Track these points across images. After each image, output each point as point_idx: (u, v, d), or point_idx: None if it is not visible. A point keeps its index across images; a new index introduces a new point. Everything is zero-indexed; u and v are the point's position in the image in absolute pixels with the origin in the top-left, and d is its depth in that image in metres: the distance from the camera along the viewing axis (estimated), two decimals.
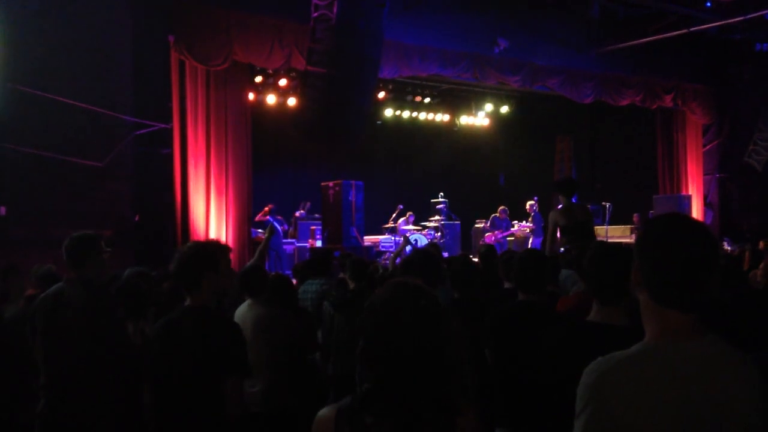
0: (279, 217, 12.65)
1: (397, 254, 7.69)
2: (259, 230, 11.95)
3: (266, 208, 12.51)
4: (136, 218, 9.28)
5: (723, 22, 12.02)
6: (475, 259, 8.24)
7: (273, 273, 4.75)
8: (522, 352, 3.03)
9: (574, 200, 7.03)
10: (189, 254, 2.83)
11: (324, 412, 1.64)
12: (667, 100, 14.60)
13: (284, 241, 12.84)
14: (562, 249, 6.49)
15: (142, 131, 9.54)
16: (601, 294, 2.44)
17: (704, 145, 15.71)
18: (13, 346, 3.65)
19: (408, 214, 13.79)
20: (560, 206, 6.81)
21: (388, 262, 9.10)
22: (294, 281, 5.47)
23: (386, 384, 1.54)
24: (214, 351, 2.68)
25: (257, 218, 11.98)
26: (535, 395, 2.90)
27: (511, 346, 3.13)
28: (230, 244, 10.20)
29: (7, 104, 7.76)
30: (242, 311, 3.92)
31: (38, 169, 8.14)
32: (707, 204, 15.68)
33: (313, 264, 5.31)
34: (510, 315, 3.26)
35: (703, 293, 1.55)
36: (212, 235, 10.10)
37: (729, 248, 13.47)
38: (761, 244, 7.00)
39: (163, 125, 9.73)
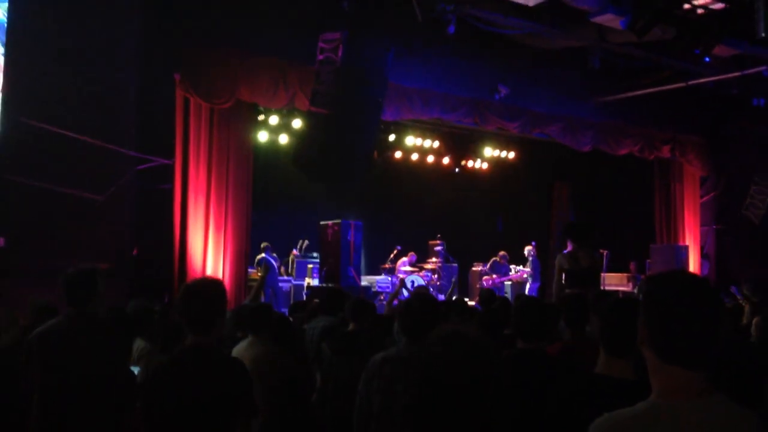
0: (274, 255, 12.65)
1: (394, 297, 7.67)
2: (251, 268, 11.94)
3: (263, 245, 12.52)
4: (135, 252, 9.26)
5: (720, 77, 12.22)
6: (472, 303, 8.22)
7: (274, 312, 4.72)
8: (521, 401, 3.00)
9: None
10: (204, 296, 2.77)
11: None
12: (665, 151, 14.75)
13: (281, 278, 12.82)
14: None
15: (144, 166, 9.59)
16: (610, 346, 2.44)
17: (701, 197, 15.82)
18: (6, 377, 3.61)
19: (410, 254, 13.79)
20: (567, 250, 6.82)
21: (384, 303, 9.07)
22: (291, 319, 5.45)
23: None
24: (224, 394, 2.63)
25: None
26: None
27: (515, 395, 3.10)
28: (227, 280, 10.18)
29: (10, 136, 7.82)
30: (241, 349, 3.89)
31: (38, 200, 8.16)
32: (704, 255, 15.72)
33: (325, 302, 5.27)
34: (509, 363, 3.24)
35: (709, 351, 1.56)
36: (209, 271, 10.08)
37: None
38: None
39: (165, 161, 9.79)
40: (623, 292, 13.29)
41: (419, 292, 4.66)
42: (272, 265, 11.97)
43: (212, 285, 2.84)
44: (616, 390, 2.29)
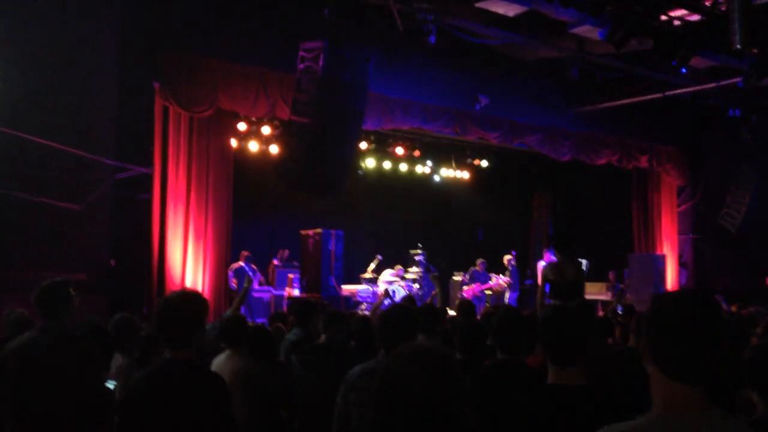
0: (252, 266, 12.56)
1: (377, 307, 7.64)
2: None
3: (242, 254, 12.43)
4: (112, 262, 9.16)
5: (697, 88, 12.40)
6: (452, 312, 8.23)
7: (252, 324, 4.68)
8: (501, 413, 3.01)
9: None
10: (182, 310, 2.75)
11: None
12: (643, 161, 14.92)
13: (260, 288, 12.74)
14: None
15: (123, 175, 9.50)
16: (555, 357, 2.50)
17: (679, 206, 16.01)
18: None
19: (397, 267, 13.78)
20: (552, 261, 6.86)
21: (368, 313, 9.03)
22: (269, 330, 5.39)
23: None
24: (202, 409, 2.60)
25: (233, 266, 11.89)
26: None
27: (491, 406, 3.10)
28: (207, 291, 10.10)
29: None
30: (221, 362, 3.85)
31: (14, 210, 8.05)
32: (682, 264, 15.90)
33: (296, 314, 5.22)
34: (490, 375, 3.25)
35: (712, 368, 1.59)
36: (188, 281, 9.99)
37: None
38: (733, 309, 7.07)
39: (143, 170, 9.71)
40: (601, 302, 13.38)
41: (397, 304, 4.62)
42: (251, 277, 11.85)
43: (189, 298, 2.82)
44: (565, 396, 2.36)
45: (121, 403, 2.83)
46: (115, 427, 2.81)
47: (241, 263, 12.22)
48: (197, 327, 2.78)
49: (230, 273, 11.52)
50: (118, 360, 4.11)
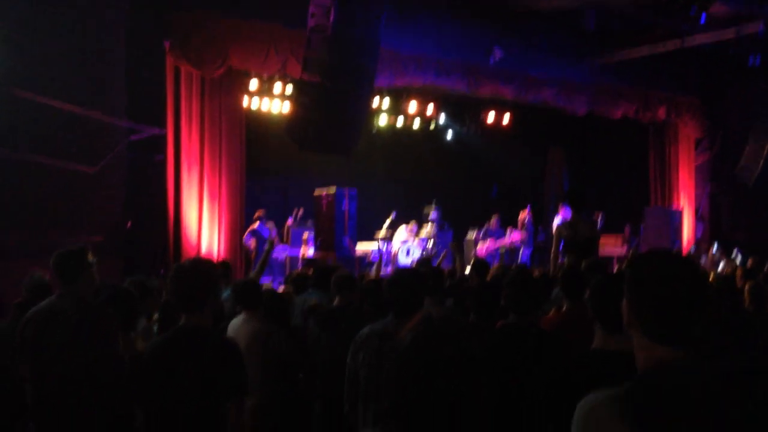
0: (268, 225, 12.58)
1: (378, 268, 7.63)
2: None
3: (258, 213, 12.42)
4: (128, 225, 9.24)
5: (716, 38, 12.10)
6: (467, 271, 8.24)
7: (268, 288, 4.72)
8: (516, 376, 3.03)
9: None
10: (194, 276, 2.78)
11: None
12: (661, 113, 14.69)
13: (276, 248, 12.79)
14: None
15: (136, 137, 9.51)
16: (605, 323, 2.46)
17: (696, 158, 15.80)
18: (4, 357, 3.61)
19: (412, 223, 13.77)
20: (568, 219, 6.82)
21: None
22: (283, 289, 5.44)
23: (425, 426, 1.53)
24: (216, 374, 2.65)
25: (251, 226, 11.94)
26: (532, 418, 2.91)
27: (504, 369, 3.12)
28: (222, 252, 10.19)
29: (0, 108, 7.72)
30: (236, 325, 3.90)
31: (30, 174, 8.11)
32: (698, 217, 15.77)
33: (314, 277, 5.27)
34: (503, 337, 3.26)
35: (696, 329, 1.58)
36: (204, 243, 10.07)
37: (715, 253, 13.56)
38: (750, 262, 7.04)
39: (157, 131, 9.71)
40: (617, 257, 13.35)
41: (406, 267, 4.64)
42: (264, 237, 11.89)
43: (202, 266, 2.86)
44: (615, 362, 2.31)
45: (136, 370, 2.89)
46: (131, 392, 2.87)
47: (256, 224, 12.24)
48: (210, 294, 2.82)
49: (248, 234, 11.57)
50: (142, 323, 4.20)
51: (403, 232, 13.53)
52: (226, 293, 4.73)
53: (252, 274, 6.33)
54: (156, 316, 4.41)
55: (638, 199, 15.48)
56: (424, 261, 6.65)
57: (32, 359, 3.20)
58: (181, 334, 2.77)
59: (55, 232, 7.97)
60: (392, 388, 1.63)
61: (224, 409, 2.66)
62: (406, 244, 13.08)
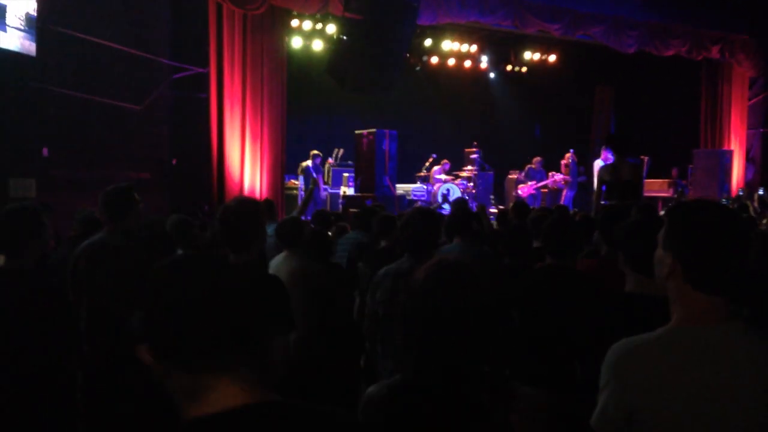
0: (318, 164, 12.59)
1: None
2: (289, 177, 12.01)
3: (311, 153, 12.44)
4: (174, 162, 9.43)
5: None
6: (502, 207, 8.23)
7: (308, 226, 4.80)
8: (553, 316, 3.07)
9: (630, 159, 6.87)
10: (241, 216, 2.85)
11: (373, 390, 1.69)
12: (714, 51, 14.13)
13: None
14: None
15: (180, 75, 9.61)
16: (639, 266, 2.45)
17: (750, 99, 15.25)
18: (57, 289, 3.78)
19: (443, 161, 13.72)
20: (610, 161, 6.73)
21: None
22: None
23: (430, 365, 1.57)
24: (262, 309, 2.74)
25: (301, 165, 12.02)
26: (566, 357, 2.96)
27: (541, 310, 3.16)
28: (264, 188, 10.34)
29: (48, 46, 7.85)
30: (277, 262, 4.00)
31: (78, 111, 8.29)
32: (749, 159, 15.33)
33: (359, 218, 5.33)
34: (540, 279, 3.29)
35: (735, 278, 1.59)
36: (246, 181, 10.23)
37: (762, 193, 13.18)
38: None
39: (200, 69, 9.78)
40: (662, 199, 13.13)
41: (420, 207, 4.65)
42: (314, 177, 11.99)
43: (247, 206, 2.93)
44: (648, 306, 2.31)
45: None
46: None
47: (308, 163, 12.27)
48: (256, 232, 2.91)
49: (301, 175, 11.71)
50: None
51: (439, 172, 13.48)
52: (270, 229, 4.85)
53: (295, 212, 6.45)
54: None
55: (688, 141, 15.07)
56: (458, 201, 6.65)
57: (86, 290, 3.36)
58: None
59: (103, 168, 8.19)
60: (403, 327, 1.66)
61: (270, 343, 2.77)
62: (445, 185, 13.06)
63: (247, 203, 3.00)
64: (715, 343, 1.56)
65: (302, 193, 11.98)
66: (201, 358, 1.14)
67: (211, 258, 1.22)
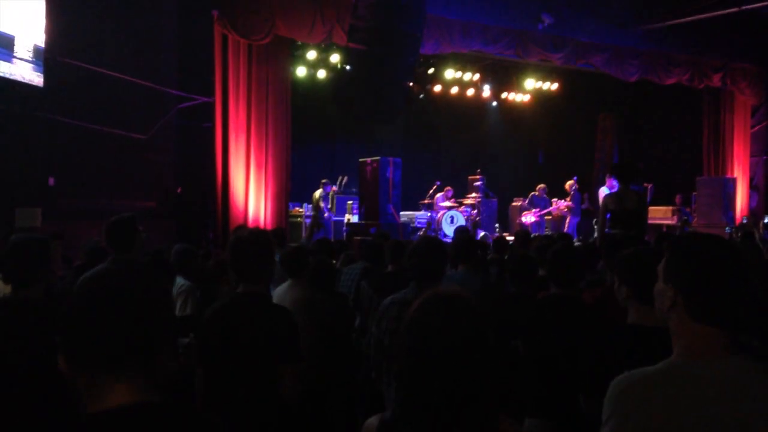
0: (329, 191, 12.55)
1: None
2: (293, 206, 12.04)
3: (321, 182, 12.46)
4: (179, 191, 9.48)
5: None
6: (510, 238, 8.25)
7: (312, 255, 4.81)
8: (557, 347, 3.06)
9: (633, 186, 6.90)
10: (253, 247, 2.87)
11: (371, 421, 1.69)
12: (716, 80, 14.23)
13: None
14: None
15: (185, 104, 9.70)
16: (644, 298, 2.44)
17: (752, 126, 15.30)
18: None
19: (447, 189, 13.76)
20: (614, 190, 6.75)
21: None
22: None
23: (422, 401, 1.55)
24: (272, 340, 2.75)
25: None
26: (571, 388, 2.94)
27: (545, 340, 3.15)
28: (269, 218, 10.38)
29: (55, 77, 7.96)
30: (281, 292, 4.01)
31: (85, 140, 8.37)
32: (753, 186, 15.33)
33: (367, 250, 5.34)
34: (544, 309, 3.28)
35: (738, 310, 1.59)
36: (251, 209, 10.27)
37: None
38: None
39: (205, 99, 9.88)
40: (666, 226, 13.12)
41: (427, 236, 4.68)
42: (320, 204, 12.00)
43: (260, 237, 2.95)
44: (651, 339, 2.30)
45: (199, 332, 3.00)
46: (192, 352, 2.98)
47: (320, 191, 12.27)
48: (267, 263, 2.93)
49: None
50: (179, 282, 4.37)
51: (442, 199, 13.52)
52: (278, 257, 4.87)
53: (303, 239, 6.47)
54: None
55: (691, 168, 15.10)
56: (460, 229, 6.66)
57: None
58: (240, 301, 2.88)
59: (109, 197, 8.24)
60: (397, 356, 1.65)
61: (279, 372, 2.77)
62: (449, 212, 13.08)
63: (259, 234, 3.02)
64: (718, 378, 1.55)
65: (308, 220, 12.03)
66: (97, 363, 1.31)
67: (118, 273, 1.41)
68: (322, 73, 13.22)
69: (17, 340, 2.75)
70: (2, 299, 2.95)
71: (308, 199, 12.46)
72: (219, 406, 2.80)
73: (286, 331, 2.83)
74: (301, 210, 12.39)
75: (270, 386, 2.78)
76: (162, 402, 1.36)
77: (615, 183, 8.01)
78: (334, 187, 13.30)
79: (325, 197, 12.06)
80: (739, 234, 9.68)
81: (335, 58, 12.46)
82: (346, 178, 13.57)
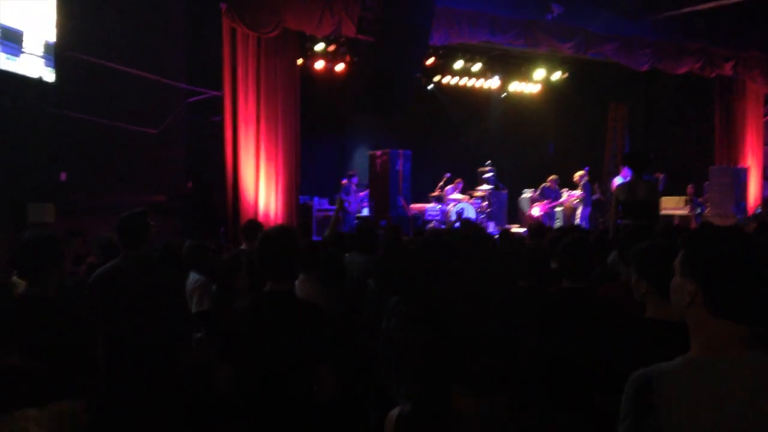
0: (354, 185, 12.56)
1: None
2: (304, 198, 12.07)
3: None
4: (189, 185, 9.50)
5: None
6: (522, 230, 8.22)
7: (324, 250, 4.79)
8: (569, 342, 3.04)
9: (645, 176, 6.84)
10: (280, 245, 2.87)
11: (392, 412, 1.70)
12: (727, 68, 14.09)
13: (331, 207, 12.92)
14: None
15: (195, 98, 9.71)
16: (663, 289, 2.41)
17: (765, 115, 15.16)
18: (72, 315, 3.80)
19: (457, 181, 13.73)
20: (627, 180, 6.71)
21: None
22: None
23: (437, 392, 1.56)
24: (310, 339, 2.76)
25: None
26: (585, 382, 2.92)
27: (557, 335, 3.13)
28: (279, 212, 10.38)
29: (66, 72, 7.98)
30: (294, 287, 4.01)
31: (96, 135, 8.40)
32: (766, 176, 15.20)
33: (359, 238, 5.32)
34: (557, 303, 3.27)
35: (760, 305, 1.57)
36: (261, 203, 10.27)
37: None
38: None
39: (215, 92, 9.88)
40: (678, 217, 13.04)
41: (433, 231, 4.65)
42: (341, 197, 12.01)
43: (287, 234, 2.95)
44: (669, 333, 2.27)
45: (225, 328, 2.99)
46: (220, 350, 2.97)
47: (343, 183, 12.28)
48: (294, 260, 2.94)
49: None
50: (194, 277, 4.39)
51: (452, 191, 13.49)
52: None
53: (326, 233, 6.45)
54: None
55: (703, 158, 14.98)
56: (465, 222, 6.63)
57: (101, 317, 3.38)
58: (270, 298, 2.88)
59: (121, 192, 8.27)
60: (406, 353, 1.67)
61: (317, 371, 2.78)
62: (459, 204, 13.06)
63: (285, 231, 3.01)
64: (737, 373, 1.54)
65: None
66: None
67: None
68: (330, 65, 13.19)
69: (32, 337, 2.77)
70: (19, 296, 2.98)
71: (318, 192, 12.48)
72: (250, 405, 2.79)
73: (324, 330, 2.85)
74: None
75: (304, 385, 2.78)
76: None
77: (629, 172, 7.97)
78: (344, 180, 13.30)
79: (348, 189, 12.03)
80: (754, 224, 9.58)
81: (344, 49, 12.42)
82: (354, 175, 13.58)
